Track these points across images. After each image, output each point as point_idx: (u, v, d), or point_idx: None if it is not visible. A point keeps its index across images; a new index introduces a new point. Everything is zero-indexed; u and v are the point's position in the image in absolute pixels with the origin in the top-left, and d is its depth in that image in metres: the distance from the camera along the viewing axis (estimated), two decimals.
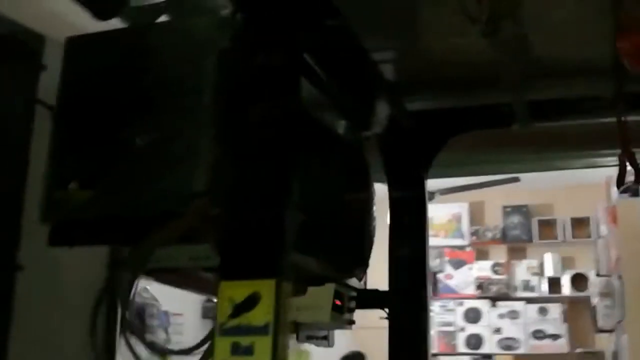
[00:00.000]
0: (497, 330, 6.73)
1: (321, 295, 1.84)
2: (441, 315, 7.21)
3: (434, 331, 7.13)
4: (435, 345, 7.14)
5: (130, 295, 1.24)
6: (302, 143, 1.55)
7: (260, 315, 1.13)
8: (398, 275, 2.03)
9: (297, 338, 1.89)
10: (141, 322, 4.10)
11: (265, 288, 1.14)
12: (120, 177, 1.33)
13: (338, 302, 1.87)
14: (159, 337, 4.51)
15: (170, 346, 4.75)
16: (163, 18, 1.43)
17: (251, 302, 1.14)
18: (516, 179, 5.12)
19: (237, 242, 1.18)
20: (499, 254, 6.98)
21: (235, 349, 1.13)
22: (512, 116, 1.98)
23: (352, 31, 1.51)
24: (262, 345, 1.12)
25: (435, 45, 1.80)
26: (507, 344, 6.65)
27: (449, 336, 7.04)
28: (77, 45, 1.41)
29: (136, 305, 4.11)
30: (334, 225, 1.82)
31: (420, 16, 1.73)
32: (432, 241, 7.36)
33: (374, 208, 2.07)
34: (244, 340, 1.13)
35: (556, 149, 2.23)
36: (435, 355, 7.17)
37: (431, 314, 7.89)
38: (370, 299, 2.05)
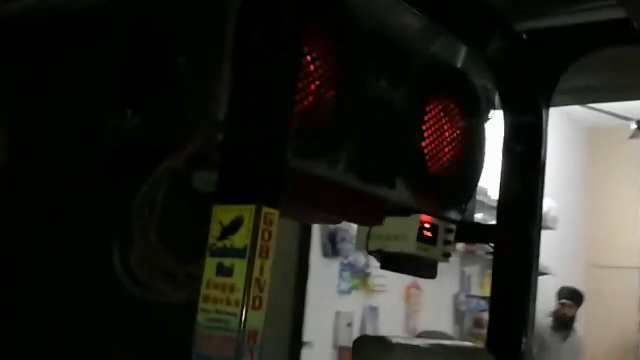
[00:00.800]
0: None
1: (407, 226, 1.80)
2: None
3: None
4: None
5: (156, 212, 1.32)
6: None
7: (241, 239, 1.17)
8: (507, 209, 1.91)
9: (382, 266, 1.88)
10: (333, 245, 4.29)
11: (247, 213, 1.17)
12: (160, 105, 1.42)
13: (428, 234, 1.82)
14: (358, 260, 4.68)
15: (369, 270, 4.89)
16: None
17: (235, 226, 1.18)
18: None
19: (229, 167, 1.22)
20: None
21: (220, 270, 1.18)
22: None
23: None
24: (240, 268, 1.16)
25: None
26: None
27: None
28: None
29: (328, 230, 4.30)
30: (420, 154, 1.77)
31: None
32: None
33: (484, 138, 1.96)
34: (227, 262, 1.18)
35: None
36: None
37: None
38: (474, 232, 1.96)
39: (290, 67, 1.24)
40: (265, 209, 1.17)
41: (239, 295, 1.15)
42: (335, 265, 4.49)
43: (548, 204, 5.53)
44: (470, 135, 1.93)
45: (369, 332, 4.54)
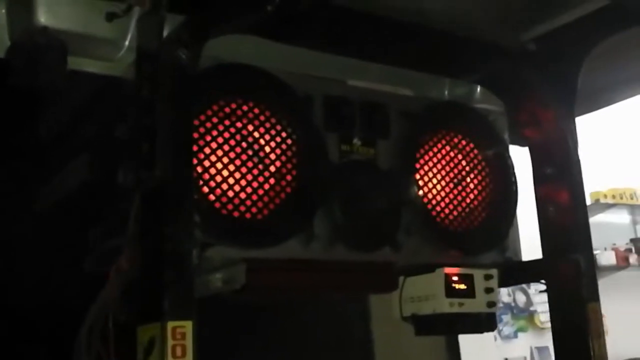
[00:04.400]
0: None
1: (434, 283, 1.64)
2: None
3: None
4: None
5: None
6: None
7: (155, 358, 1.11)
8: (550, 240, 1.68)
9: (416, 332, 1.71)
10: None
11: (157, 331, 1.11)
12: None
13: (461, 286, 1.65)
14: (518, 300, 4.39)
15: (534, 307, 4.55)
16: None
17: (151, 346, 1.13)
18: None
19: (140, 289, 1.18)
20: None
21: None
22: None
23: None
24: None
25: None
26: None
27: None
28: None
29: None
30: (420, 204, 1.62)
31: None
32: None
33: (509, 165, 1.78)
34: None
35: None
36: None
37: None
38: (521, 272, 1.75)
39: (180, 180, 1.19)
40: (172, 324, 1.11)
41: None
42: None
43: None
44: (491, 166, 1.75)
45: None
